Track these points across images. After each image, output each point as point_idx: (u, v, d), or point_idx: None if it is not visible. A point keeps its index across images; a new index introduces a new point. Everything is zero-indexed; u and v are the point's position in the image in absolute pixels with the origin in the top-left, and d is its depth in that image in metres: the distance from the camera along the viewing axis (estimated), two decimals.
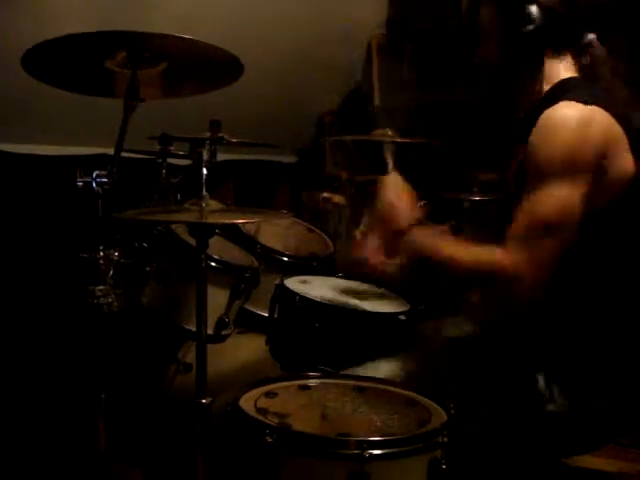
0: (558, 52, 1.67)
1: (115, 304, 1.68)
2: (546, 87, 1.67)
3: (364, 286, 2.08)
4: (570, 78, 1.67)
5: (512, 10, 1.65)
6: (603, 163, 1.54)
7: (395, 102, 3.62)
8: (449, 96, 3.16)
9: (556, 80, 1.67)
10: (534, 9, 1.62)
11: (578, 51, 1.69)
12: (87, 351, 1.70)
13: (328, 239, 2.57)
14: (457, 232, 1.95)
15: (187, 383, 2.18)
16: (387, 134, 2.37)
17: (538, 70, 1.66)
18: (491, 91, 1.82)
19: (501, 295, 1.54)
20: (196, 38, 1.58)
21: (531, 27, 1.62)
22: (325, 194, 2.77)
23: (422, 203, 2.01)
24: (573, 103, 1.54)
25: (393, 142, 2.19)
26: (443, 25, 3.28)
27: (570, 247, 1.54)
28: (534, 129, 1.57)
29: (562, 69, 1.68)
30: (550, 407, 1.59)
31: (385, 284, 2.09)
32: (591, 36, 1.70)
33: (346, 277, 2.16)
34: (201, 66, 1.72)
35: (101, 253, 1.66)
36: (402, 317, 1.81)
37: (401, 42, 3.65)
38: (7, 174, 2.76)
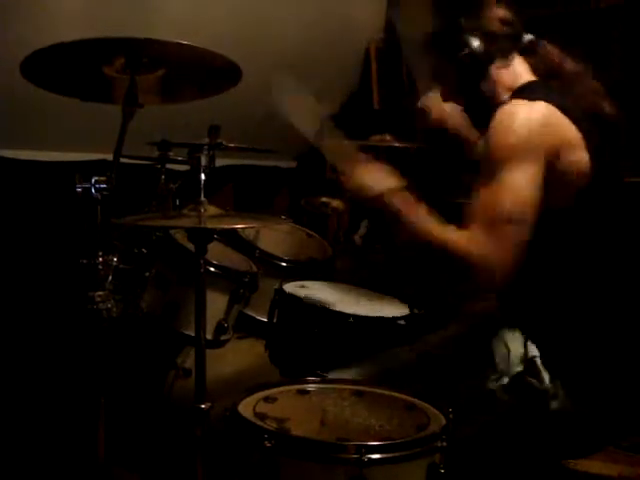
0: (505, 62, 1.69)
1: (114, 309, 1.68)
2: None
3: (363, 291, 2.09)
4: (527, 82, 1.69)
5: (448, 43, 1.68)
6: (555, 154, 1.54)
7: (393, 106, 3.62)
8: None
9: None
10: (466, 35, 1.66)
11: (524, 52, 1.71)
12: (86, 357, 1.70)
13: (327, 244, 2.58)
14: None
15: (186, 388, 2.18)
16: (385, 138, 2.37)
17: (489, 84, 1.69)
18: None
19: (470, 278, 1.55)
20: (194, 44, 1.58)
21: (467, 50, 1.66)
22: (324, 199, 2.77)
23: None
24: (519, 101, 1.58)
25: (391, 147, 2.20)
26: None
27: (548, 244, 1.55)
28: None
29: (519, 75, 1.70)
30: (551, 410, 1.59)
31: (384, 288, 2.10)
32: (529, 36, 1.72)
33: (345, 282, 2.16)
34: (199, 72, 1.73)
35: (100, 259, 1.66)
36: (401, 322, 1.81)
37: (399, 46, 3.65)
38: (6, 180, 2.76)
